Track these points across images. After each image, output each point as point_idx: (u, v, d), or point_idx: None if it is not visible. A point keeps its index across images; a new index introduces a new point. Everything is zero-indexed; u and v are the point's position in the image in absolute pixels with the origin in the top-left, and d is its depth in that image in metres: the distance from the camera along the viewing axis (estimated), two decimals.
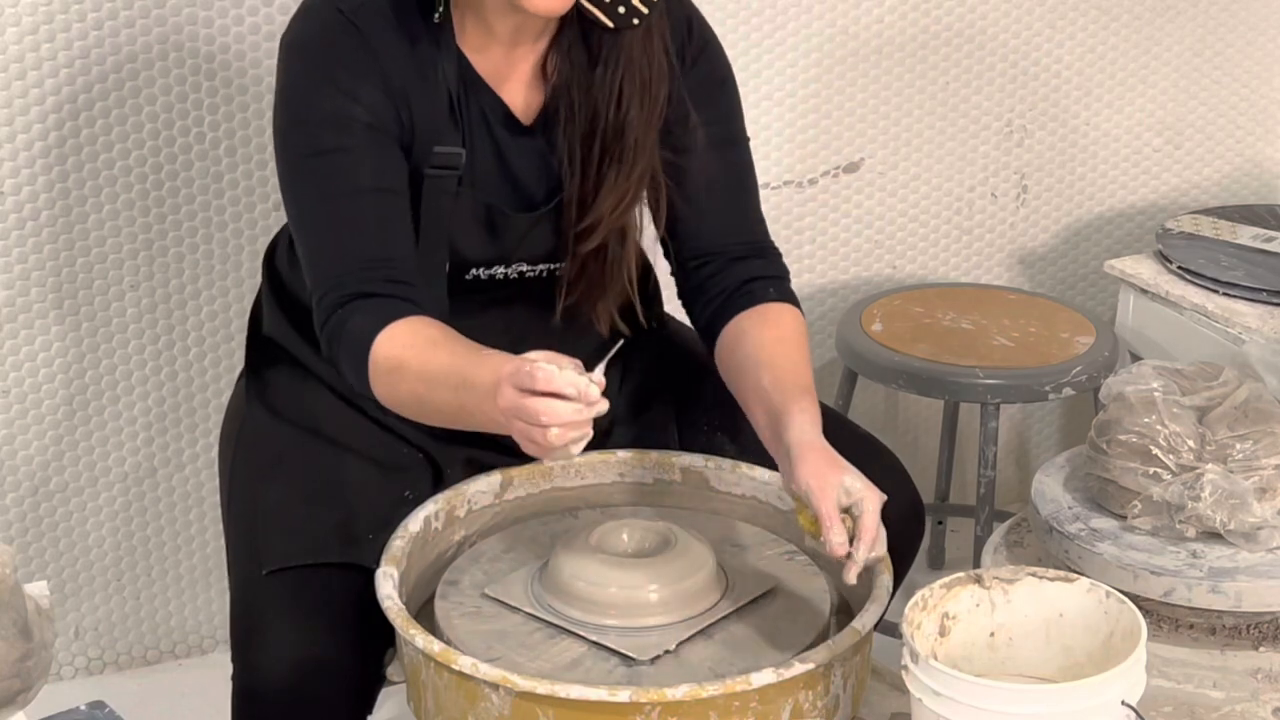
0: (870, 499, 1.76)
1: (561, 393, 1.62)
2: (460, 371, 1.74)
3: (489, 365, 1.71)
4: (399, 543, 1.88)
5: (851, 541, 1.75)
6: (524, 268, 1.99)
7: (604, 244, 1.96)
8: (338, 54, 1.85)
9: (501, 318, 1.98)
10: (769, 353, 1.93)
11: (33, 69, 2.41)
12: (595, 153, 1.92)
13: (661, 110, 1.93)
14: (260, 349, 2.08)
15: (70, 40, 2.41)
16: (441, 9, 1.87)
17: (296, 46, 1.89)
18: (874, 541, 1.75)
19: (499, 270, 1.97)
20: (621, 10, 1.85)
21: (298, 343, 2.03)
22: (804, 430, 1.82)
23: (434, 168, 1.88)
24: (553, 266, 2.00)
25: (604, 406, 1.64)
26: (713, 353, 2.01)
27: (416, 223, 1.89)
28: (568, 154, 1.93)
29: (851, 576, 1.75)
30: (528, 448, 1.68)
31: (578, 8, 1.84)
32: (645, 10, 1.85)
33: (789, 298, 2.01)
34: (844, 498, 1.76)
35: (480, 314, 1.96)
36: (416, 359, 1.78)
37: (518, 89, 1.94)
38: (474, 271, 1.97)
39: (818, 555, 1.97)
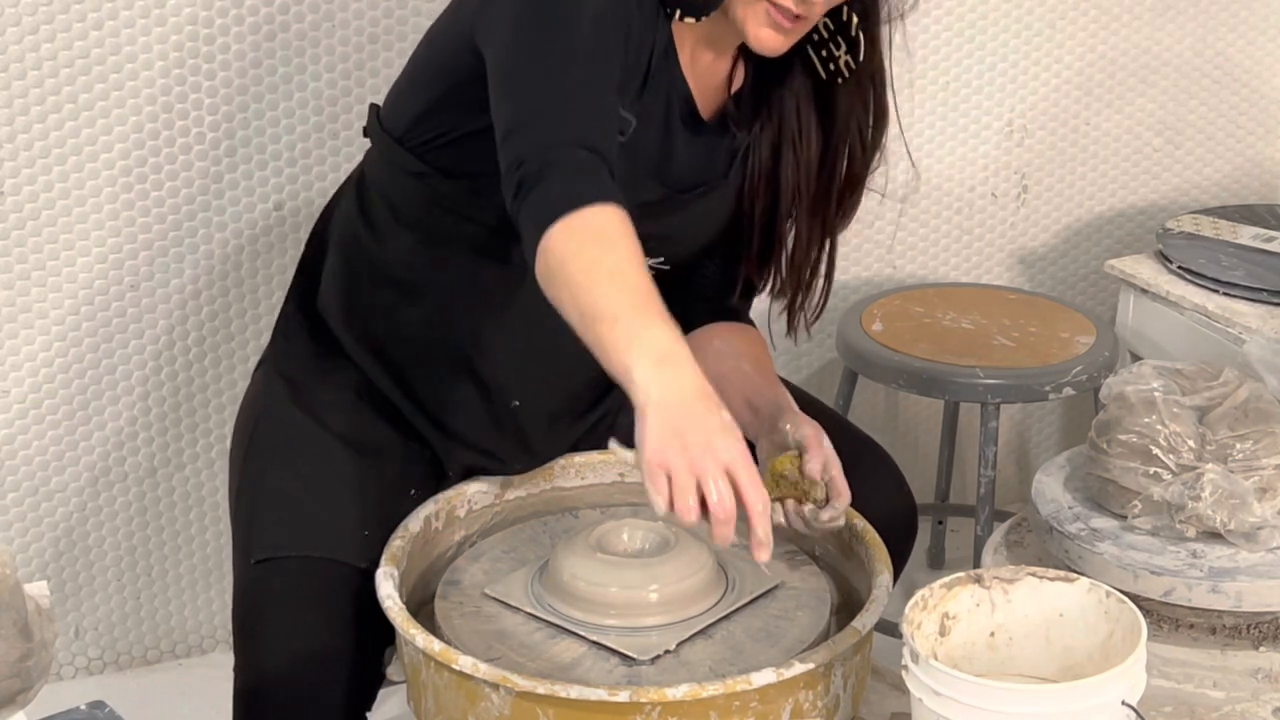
0: (835, 461, 1.89)
1: (749, 504, 1.57)
2: (653, 312, 1.60)
3: (690, 361, 1.58)
4: (399, 542, 1.88)
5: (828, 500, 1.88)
6: None
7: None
8: None
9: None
10: (749, 348, 2.06)
11: (33, 69, 2.41)
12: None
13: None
14: (288, 334, 2.08)
15: (70, 40, 2.41)
16: None
17: None
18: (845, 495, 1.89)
19: None
20: (831, 67, 1.94)
21: (337, 309, 2.02)
22: (791, 401, 1.98)
23: None
24: (659, 264, 1.99)
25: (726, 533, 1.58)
26: None
27: None
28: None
29: (825, 518, 1.87)
30: (656, 483, 1.56)
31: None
32: (847, 74, 1.94)
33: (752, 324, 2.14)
34: (796, 436, 1.90)
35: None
36: (613, 247, 1.63)
37: (705, 83, 1.95)
38: None
39: (817, 555, 1.98)
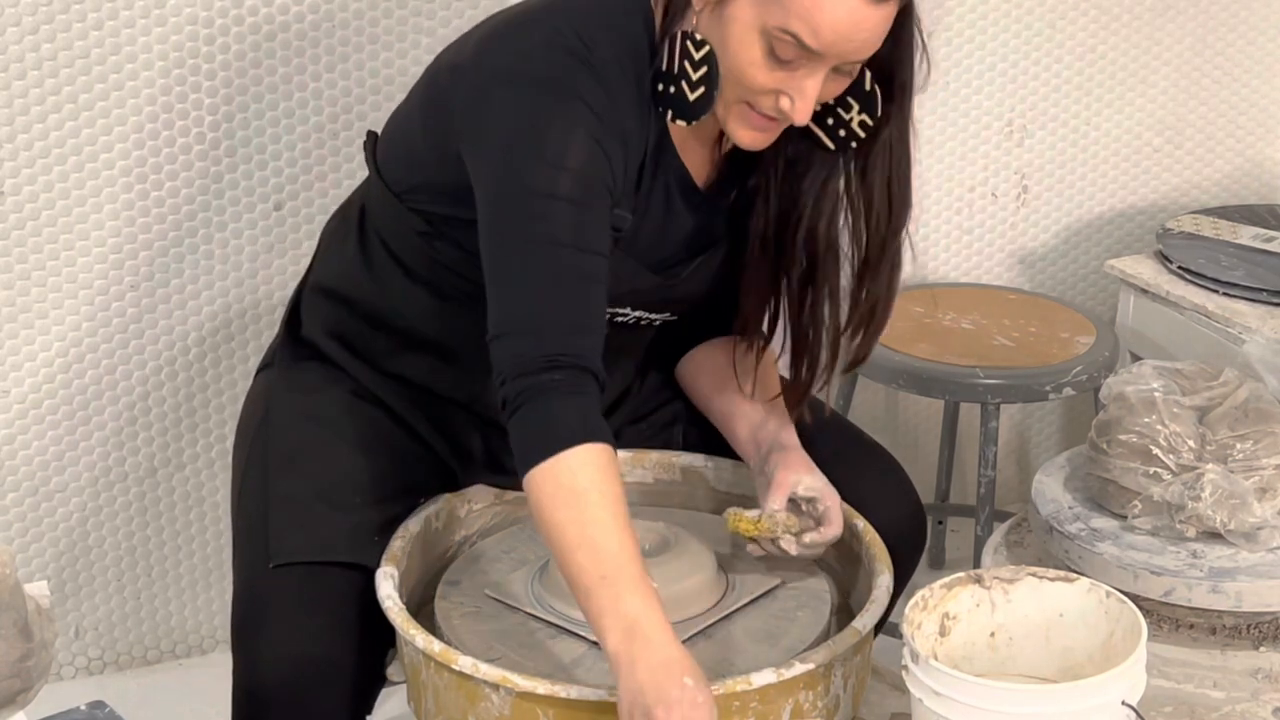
0: (829, 495, 1.89)
1: None
2: (622, 578, 1.65)
3: (657, 625, 1.63)
4: (399, 543, 1.88)
5: (819, 526, 1.89)
6: (636, 314, 1.96)
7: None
8: (585, 96, 1.76)
9: None
10: (759, 371, 2.01)
11: (33, 69, 2.41)
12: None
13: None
14: (293, 345, 2.07)
15: (70, 40, 2.41)
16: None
17: (539, 83, 1.76)
18: (837, 529, 1.89)
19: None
20: (842, 134, 1.88)
21: (336, 348, 2.02)
22: (791, 436, 1.96)
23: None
24: (666, 317, 1.99)
25: None
26: (672, 348, 2.08)
27: None
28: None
29: (793, 549, 1.88)
30: None
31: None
32: (862, 134, 1.87)
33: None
34: (804, 491, 1.88)
35: None
36: (586, 507, 1.68)
37: (698, 153, 1.92)
38: None
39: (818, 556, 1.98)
